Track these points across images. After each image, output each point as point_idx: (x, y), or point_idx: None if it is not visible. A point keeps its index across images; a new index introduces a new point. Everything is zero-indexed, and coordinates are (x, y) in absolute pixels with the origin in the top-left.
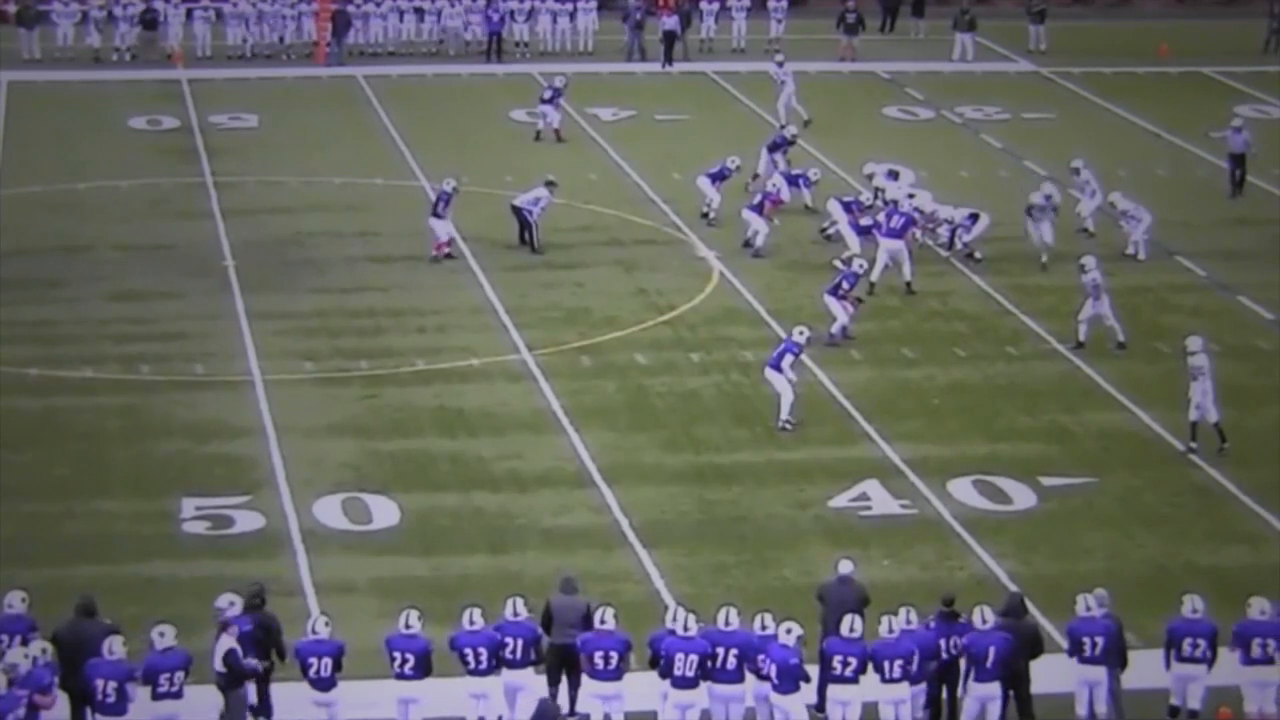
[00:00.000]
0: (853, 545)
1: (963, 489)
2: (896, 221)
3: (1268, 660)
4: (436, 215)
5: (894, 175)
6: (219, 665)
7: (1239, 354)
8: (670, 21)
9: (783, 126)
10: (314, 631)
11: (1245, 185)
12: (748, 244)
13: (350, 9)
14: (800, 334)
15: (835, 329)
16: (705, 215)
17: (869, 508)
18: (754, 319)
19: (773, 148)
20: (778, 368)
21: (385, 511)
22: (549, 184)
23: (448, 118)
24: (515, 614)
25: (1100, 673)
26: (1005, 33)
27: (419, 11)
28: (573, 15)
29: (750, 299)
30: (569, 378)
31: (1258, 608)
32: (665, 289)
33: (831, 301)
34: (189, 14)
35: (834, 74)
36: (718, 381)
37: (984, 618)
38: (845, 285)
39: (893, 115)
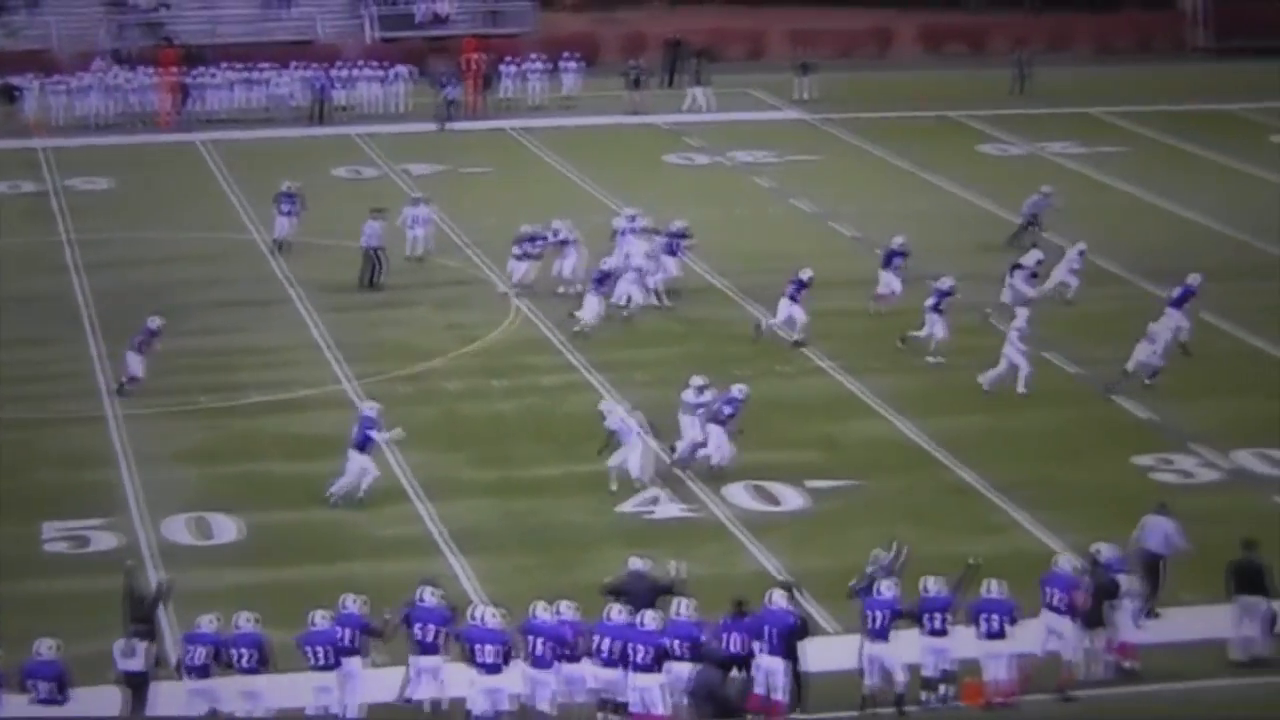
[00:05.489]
0: (644, 545)
1: (737, 494)
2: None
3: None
4: (136, 350)
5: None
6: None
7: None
8: (454, 91)
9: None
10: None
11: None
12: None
13: (188, 81)
14: (371, 409)
15: (702, 452)
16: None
17: (653, 512)
18: (550, 348)
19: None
20: (363, 449)
21: (227, 528)
22: (376, 211)
23: (280, 176)
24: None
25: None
26: (775, 86)
27: (249, 82)
28: (384, 81)
29: (546, 331)
30: (390, 404)
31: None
32: (472, 323)
33: (713, 428)
34: (42, 87)
35: (621, 126)
36: (519, 404)
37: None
38: (726, 411)
39: (673, 161)
